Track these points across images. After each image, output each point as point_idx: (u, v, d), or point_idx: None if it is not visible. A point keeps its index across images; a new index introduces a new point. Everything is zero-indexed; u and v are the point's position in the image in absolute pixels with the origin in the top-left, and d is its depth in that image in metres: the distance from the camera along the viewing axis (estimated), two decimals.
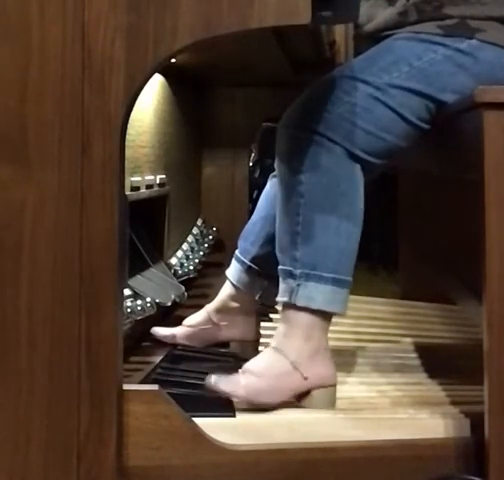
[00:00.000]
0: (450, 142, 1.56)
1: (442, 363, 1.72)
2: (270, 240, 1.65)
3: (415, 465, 1.30)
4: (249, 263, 1.76)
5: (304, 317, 1.46)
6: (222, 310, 1.81)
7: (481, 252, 1.28)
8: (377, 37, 1.66)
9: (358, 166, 1.52)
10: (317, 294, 1.46)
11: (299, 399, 1.45)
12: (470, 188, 1.36)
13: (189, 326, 1.82)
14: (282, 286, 1.50)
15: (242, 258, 1.78)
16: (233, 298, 1.81)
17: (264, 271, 1.74)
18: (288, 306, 1.48)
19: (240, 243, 1.80)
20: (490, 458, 1.25)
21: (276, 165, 1.60)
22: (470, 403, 1.43)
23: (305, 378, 1.44)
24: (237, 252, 1.80)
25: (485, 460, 1.26)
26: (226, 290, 1.82)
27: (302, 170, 1.50)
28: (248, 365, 1.45)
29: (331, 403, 1.45)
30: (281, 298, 1.49)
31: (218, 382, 1.42)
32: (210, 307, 1.82)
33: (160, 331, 1.83)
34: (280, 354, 1.45)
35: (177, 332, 1.82)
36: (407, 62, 1.55)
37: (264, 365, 1.45)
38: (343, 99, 1.52)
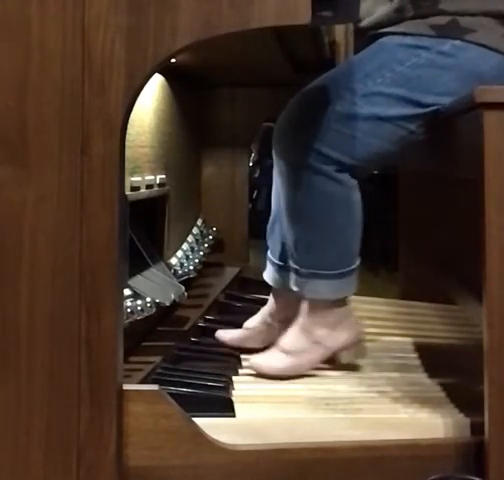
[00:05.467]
0: (450, 142, 1.56)
1: (442, 363, 1.72)
2: None
3: (415, 465, 1.30)
4: (278, 262, 1.78)
5: (315, 303, 1.65)
6: (272, 311, 1.82)
7: (481, 252, 1.28)
8: (373, 35, 1.68)
9: (347, 176, 1.59)
10: (322, 288, 1.63)
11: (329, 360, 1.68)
12: (470, 188, 1.36)
13: (247, 329, 1.82)
14: (292, 278, 1.67)
15: (272, 258, 1.80)
16: (277, 298, 1.81)
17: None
18: (300, 294, 1.66)
19: (268, 244, 1.82)
20: (490, 458, 1.25)
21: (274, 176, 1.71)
22: (470, 403, 1.43)
23: (327, 347, 1.66)
24: (268, 253, 1.82)
25: (485, 460, 1.26)
26: (272, 292, 1.84)
27: (297, 186, 1.60)
28: (282, 343, 1.66)
29: (357, 356, 1.71)
30: (294, 288, 1.67)
31: (256, 362, 1.64)
32: (265, 309, 1.83)
33: (226, 335, 1.83)
34: (305, 333, 1.65)
35: (237, 335, 1.82)
36: (390, 68, 1.59)
37: (295, 344, 1.65)
38: (330, 108, 1.58)
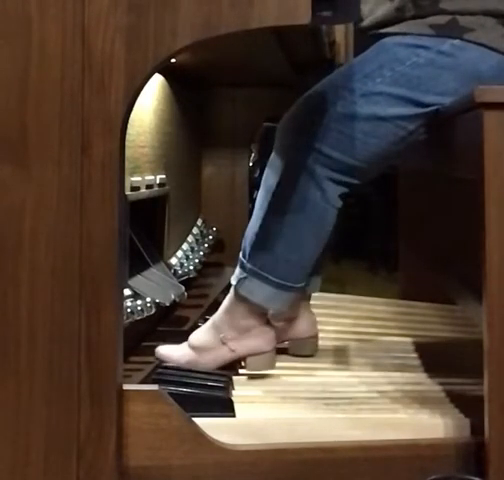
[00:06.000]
0: (450, 142, 1.56)
1: (442, 363, 1.72)
2: None
3: (415, 465, 1.30)
4: None
5: (244, 303, 1.63)
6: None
7: (481, 252, 1.28)
8: (373, 35, 1.68)
9: (338, 191, 1.59)
10: (258, 291, 1.61)
11: (235, 365, 1.66)
12: (470, 188, 1.36)
13: None
14: (236, 270, 1.65)
15: None
16: None
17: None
18: (235, 288, 1.64)
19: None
20: (490, 458, 1.25)
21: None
22: (470, 403, 1.43)
23: (232, 350, 1.63)
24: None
25: (485, 460, 1.26)
26: None
27: (285, 184, 1.60)
28: (191, 337, 1.66)
29: (264, 366, 1.65)
30: (232, 280, 1.65)
31: (164, 351, 1.65)
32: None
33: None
34: (215, 330, 1.65)
35: None
36: (390, 67, 1.59)
37: (200, 339, 1.65)
38: (332, 110, 1.58)
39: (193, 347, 1.65)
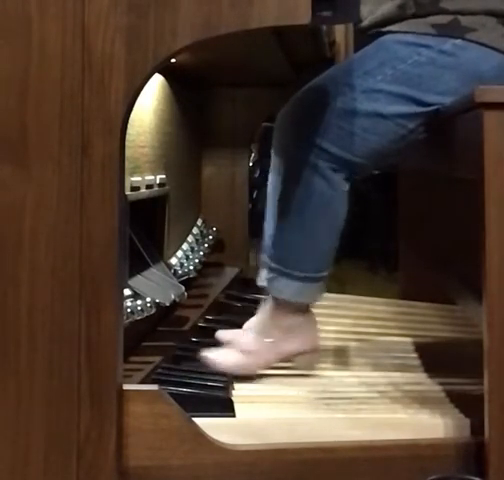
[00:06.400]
0: (450, 142, 1.56)
1: (442, 363, 1.72)
2: None
3: (415, 465, 1.30)
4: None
5: (278, 303, 1.64)
6: None
7: (481, 252, 1.28)
8: (374, 34, 1.68)
9: (342, 179, 1.58)
10: (286, 288, 1.62)
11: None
12: (470, 188, 1.36)
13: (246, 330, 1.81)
14: (262, 273, 1.68)
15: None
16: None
17: None
18: (267, 290, 1.67)
19: (263, 247, 1.81)
20: (490, 458, 1.25)
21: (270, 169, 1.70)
22: (470, 403, 1.43)
23: (277, 353, 1.65)
24: (263, 256, 1.80)
25: (485, 460, 1.26)
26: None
27: (290, 181, 1.60)
28: (239, 342, 1.67)
29: (313, 363, 1.69)
30: (261, 283, 1.67)
31: (210, 357, 1.64)
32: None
33: (226, 335, 1.81)
34: (257, 334, 1.66)
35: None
36: (391, 65, 1.58)
37: (247, 343, 1.66)
38: (331, 105, 1.57)
39: (244, 352, 1.65)
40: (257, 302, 1.99)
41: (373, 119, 1.57)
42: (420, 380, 1.64)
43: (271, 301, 1.66)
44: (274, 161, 1.68)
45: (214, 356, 1.64)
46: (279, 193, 1.64)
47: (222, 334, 1.82)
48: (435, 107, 1.57)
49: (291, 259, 1.61)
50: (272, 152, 1.68)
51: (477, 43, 1.59)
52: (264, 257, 1.68)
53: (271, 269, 1.64)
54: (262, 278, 1.67)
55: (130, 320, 1.61)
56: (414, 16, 1.63)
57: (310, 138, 1.57)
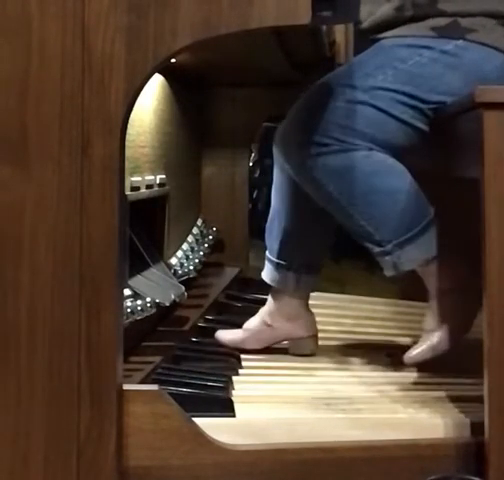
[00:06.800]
0: (450, 142, 1.56)
1: (442, 363, 1.72)
2: (288, 233, 1.75)
3: (415, 465, 1.30)
4: (277, 260, 1.77)
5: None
6: (272, 311, 1.81)
7: (481, 252, 1.28)
8: (373, 38, 1.68)
9: (368, 147, 1.56)
10: (414, 252, 1.60)
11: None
12: (470, 188, 1.36)
13: (246, 330, 1.82)
14: (384, 265, 1.63)
15: (270, 257, 1.79)
16: (276, 297, 1.81)
17: (292, 265, 1.77)
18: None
19: (266, 242, 1.81)
20: (490, 458, 1.25)
21: (294, 175, 1.67)
22: (470, 403, 1.43)
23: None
24: (266, 252, 1.81)
25: (485, 460, 1.26)
26: (270, 291, 1.83)
27: (321, 178, 1.58)
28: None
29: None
30: (389, 273, 1.63)
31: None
32: (263, 310, 1.83)
33: (226, 335, 1.83)
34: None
35: (237, 336, 1.82)
36: (392, 66, 1.58)
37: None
38: (334, 106, 1.57)
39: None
40: (257, 302, 2.00)
41: (377, 116, 1.56)
42: (420, 380, 1.64)
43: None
44: (278, 161, 1.68)
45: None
46: (328, 194, 1.61)
47: (222, 334, 1.82)
48: (437, 107, 1.57)
49: (400, 226, 1.59)
50: (277, 158, 1.68)
51: (479, 43, 1.59)
52: (375, 251, 1.62)
53: (392, 251, 1.59)
54: (387, 269, 1.63)
55: (130, 320, 1.61)
56: (412, 19, 1.63)
57: (312, 141, 1.56)
